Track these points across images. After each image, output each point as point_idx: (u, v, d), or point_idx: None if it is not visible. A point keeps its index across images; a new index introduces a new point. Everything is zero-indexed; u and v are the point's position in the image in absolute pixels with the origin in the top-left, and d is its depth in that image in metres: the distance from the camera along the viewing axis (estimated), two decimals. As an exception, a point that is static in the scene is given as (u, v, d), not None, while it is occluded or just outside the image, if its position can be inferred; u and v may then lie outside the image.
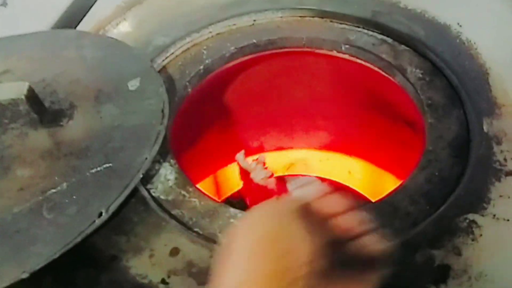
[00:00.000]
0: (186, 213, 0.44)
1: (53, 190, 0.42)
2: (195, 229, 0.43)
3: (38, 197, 0.41)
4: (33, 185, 0.43)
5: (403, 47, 0.61)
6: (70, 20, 0.70)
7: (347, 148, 0.85)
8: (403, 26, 0.62)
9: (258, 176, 0.62)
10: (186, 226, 0.43)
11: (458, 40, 0.60)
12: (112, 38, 0.61)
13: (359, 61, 0.63)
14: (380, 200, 0.47)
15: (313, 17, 0.67)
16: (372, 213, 0.44)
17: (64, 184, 0.42)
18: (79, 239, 0.38)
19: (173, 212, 0.44)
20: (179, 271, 0.40)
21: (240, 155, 0.68)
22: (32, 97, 0.46)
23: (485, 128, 0.50)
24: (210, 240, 0.42)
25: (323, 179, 0.81)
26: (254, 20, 0.66)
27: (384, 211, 0.45)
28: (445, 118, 0.52)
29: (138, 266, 0.40)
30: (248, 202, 0.67)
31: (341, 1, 0.68)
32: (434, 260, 0.40)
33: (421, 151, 0.52)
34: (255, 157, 0.73)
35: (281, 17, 0.67)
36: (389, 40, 0.62)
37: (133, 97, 0.50)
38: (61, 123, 0.48)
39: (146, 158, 0.43)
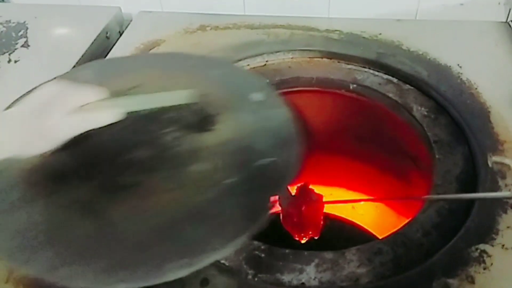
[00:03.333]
0: (213, 246, 0.47)
1: (229, 181, 0.45)
2: (222, 261, 0.45)
3: (218, 186, 0.45)
4: (210, 177, 0.46)
5: (407, 86, 0.65)
6: (91, 60, 0.74)
7: (350, 184, 0.87)
8: (407, 66, 0.67)
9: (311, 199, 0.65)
10: (213, 258, 0.45)
11: (459, 80, 0.64)
12: (220, 58, 0.67)
13: (366, 99, 0.67)
14: (395, 232, 0.49)
15: (321, 58, 0.71)
16: (387, 245, 0.47)
17: (237, 176, 0.46)
18: (264, 219, 0.42)
19: (200, 244, 0.47)
20: (210, 301, 0.42)
21: None
22: (194, 104, 0.51)
23: (489, 163, 0.53)
24: (236, 271, 0.44)
25: (326, 214, 0.83)
26: (267, 61, 0.71)
27: (399, 242, 0.48)
28: (451, 154, 0.56)
29: (170, 297, 0.42)
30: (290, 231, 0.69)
31: (347, 43, 0.73)
32: (450, 289, 0.42)
33: (424, 187, 0.55)
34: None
35: (291, 58, 0.71)
36: (394, 80, 0.67)
37: (261, 108, 0.54)
38: (212, 128, 0.52)
39: (299, 154, 0.47)
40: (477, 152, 0.54)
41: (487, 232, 0.47)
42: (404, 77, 0.66)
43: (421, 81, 0.65)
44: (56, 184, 0.46)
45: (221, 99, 0.55)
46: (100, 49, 0.76)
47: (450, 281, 0.43)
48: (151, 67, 0.61)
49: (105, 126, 0.48)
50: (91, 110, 0.45)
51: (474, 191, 0.51)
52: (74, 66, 0.72)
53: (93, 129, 0.49)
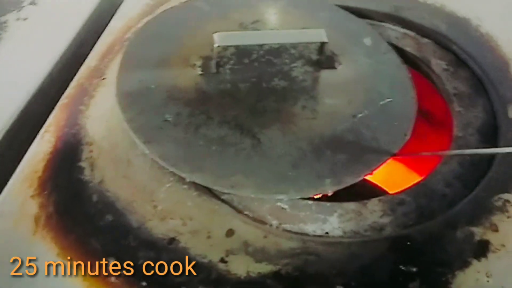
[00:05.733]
0: (236, 198, 0.47)
1: (360, 115, 0.50)
2: (246, 212, 0.46)
3: (352, 119, 0.50)
4: (343, 111, 0.51)
5: (425, 40, 0.64)
6: (100, 17, 0.72)
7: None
8: (425, 20, 0.65)
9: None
10: (237, 210, 0.46)
11: (478, 33, 0.63)
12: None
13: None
14: (416, 184, 0.49)
15: (337, 12, 0.69)
16: (409, 195, 0.47)
17: (366, 111, 0.51)
18: (396, 150, 0.48)
19: (223, 197, 0.47)
20: (236, 250, 0.42)
21: None
22: (322, 43, 0.53)
23: (510, 114, 0.53)
24: (261, 221, 0.45)
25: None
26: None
27: (421, 193, 0.48)
28: (471, 107, 0.55)
29: (197, 247, 0.42)
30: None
31: (363, -3, 0.71)
32: (474, 237, 0.43)
33: (438, 143, 0.56)
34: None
35: (306, 13, 0.70)
36: (412, 33, 0.65)
37: (373, 52, 0.58)
38: (334, 67, 0.55)
39: (413, 97, 0.53)
40: (497, 104, 0.54)
41: (510, 182, 0.47)
42: (422, 31, 0.65)
43: (440, 34, 0.63)
44: (210, 103, 0.50)
45: (337, 41, 0.57)
46: (109, 6, 0.74)
47: (474, 229, 0.43)
48: (263, 4, 0.63)
49: (245, 54, 0.52)
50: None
51: (496, 142, 0.51)
52: (83, 23, 0.70)
53: (236, 55, 0.52)
